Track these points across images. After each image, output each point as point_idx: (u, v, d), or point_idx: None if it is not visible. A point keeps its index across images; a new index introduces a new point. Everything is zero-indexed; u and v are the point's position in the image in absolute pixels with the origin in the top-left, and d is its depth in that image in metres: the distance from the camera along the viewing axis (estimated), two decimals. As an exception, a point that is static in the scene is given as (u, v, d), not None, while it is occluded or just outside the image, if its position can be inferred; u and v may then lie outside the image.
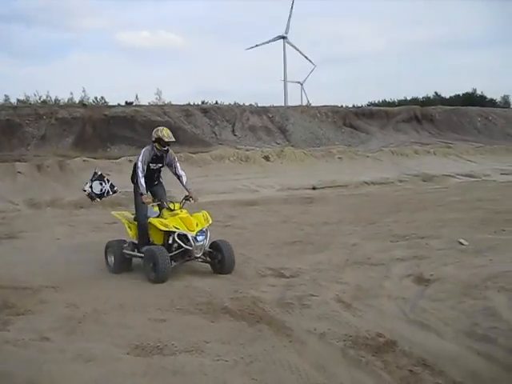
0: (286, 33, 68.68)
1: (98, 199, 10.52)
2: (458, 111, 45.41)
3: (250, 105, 41.47)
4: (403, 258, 9.69)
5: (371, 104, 60.30)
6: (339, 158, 29.79)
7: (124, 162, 24.02)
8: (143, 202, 9.22)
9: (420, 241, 11.18)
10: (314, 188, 23.51)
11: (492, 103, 61.35)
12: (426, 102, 59.00)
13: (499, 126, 44.62)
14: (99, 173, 10.56)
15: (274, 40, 69.15)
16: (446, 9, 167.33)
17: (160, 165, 9.57)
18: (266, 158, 27.73)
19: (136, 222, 9.60)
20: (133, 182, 9.55)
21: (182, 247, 8.87)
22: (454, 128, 42.83)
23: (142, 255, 9.07)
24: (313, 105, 44.65)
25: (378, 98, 68.72)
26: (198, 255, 8.98)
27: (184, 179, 9.62)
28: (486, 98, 63.21)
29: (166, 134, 9.23)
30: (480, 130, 43.47)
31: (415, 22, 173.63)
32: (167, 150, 9.39)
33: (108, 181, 10.46)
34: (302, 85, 78.70)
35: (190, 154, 26.13)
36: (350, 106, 49.82)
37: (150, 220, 9.23)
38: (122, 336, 6.16)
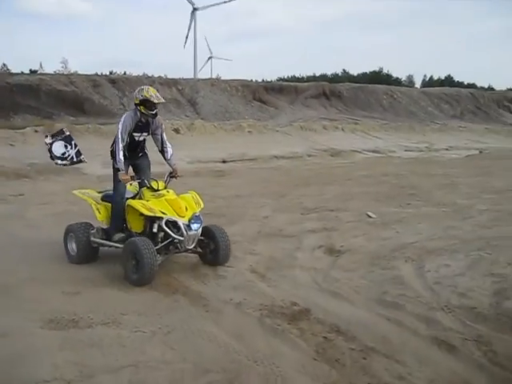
0: (193, 4, 67.59)
1: (59, 161, 8.89)
2: (365, 89, 46.31)
3: (160, 76, 40.76)
4: (314, 229, 9.91)
5: (281, 79, 60.69)
6: (249, 131, 29.96)
7: (29, 133, 23.28)
8: (119, 180, 7.57)
9: (330, 213, 11.44)
10: (224, 161, 23.55)
11: (397, 82, 63.09)
12: (335, 78, 60.14)
13: (404, 104, 45.88)
14: (67, 133, 8.97)
15: (192, 20, 67.71)
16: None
17: (145, 134, 7.97)
18: (176, 131, 27.53)
19: (104, 203, 8.12)
20: (112, 155, 7.86)
21: (171, 237, 7.21)
22: (361, 105, 43.68)
23: (116, 244, 7.71)
24: (223, 78, 44.41)
25: (287, 73, 69.41)
26: (190, 247, 7.35)
27: (170, 151, 8.10)
28: (391, 76, 65.01)
29: (153, 93, 7.61)
30: (386, 108, 44.54)
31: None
32: (155, 114, 7.75)
33: (75, 146, 8.90)
34: (211, 58, 78.28)
35: (99, 126, 25.62)
36: (260, 80, 50.04)
37: (128, 202, 7.59)
38: (34, 310, 5.99)
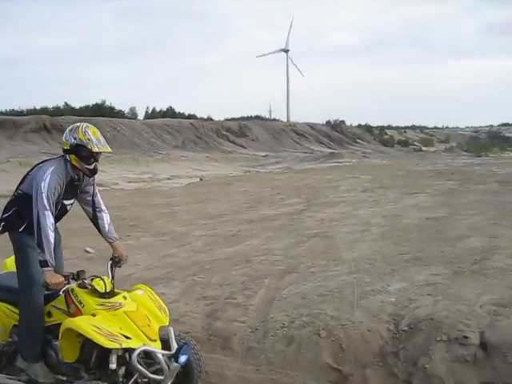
0: None
1: None
2: (89, 122, 45.64)
3: None
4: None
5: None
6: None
7: None
8: (46, 285, 4.51)
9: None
10: None
11: (121, 114, 63.73)
12: (56, 111, 58.73)
13: (127, 136, 46.53)
14: None
15: None
16: (75, 17, 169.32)
17: (73, 199, 5.10)
18: None
19: (8, 305, 4.94)
20: (12, 228, 4.87)
21: (142, 375, 4.40)
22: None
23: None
24: None
25: (4, 106, 66.41)
26: None
27: (107, 218, 5.35)
28: (114, 109, 65.39)
29: (93, 136, 4.73)
30: (109, 141, 43.29)
31: (44, 28, 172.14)
32: (95, 171, 4.96)
33: None
34: None
35: None
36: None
37: (68, 322, 4.39)
38: None
